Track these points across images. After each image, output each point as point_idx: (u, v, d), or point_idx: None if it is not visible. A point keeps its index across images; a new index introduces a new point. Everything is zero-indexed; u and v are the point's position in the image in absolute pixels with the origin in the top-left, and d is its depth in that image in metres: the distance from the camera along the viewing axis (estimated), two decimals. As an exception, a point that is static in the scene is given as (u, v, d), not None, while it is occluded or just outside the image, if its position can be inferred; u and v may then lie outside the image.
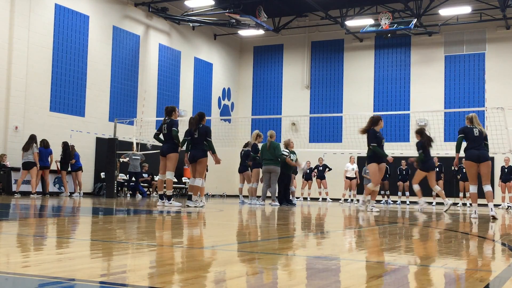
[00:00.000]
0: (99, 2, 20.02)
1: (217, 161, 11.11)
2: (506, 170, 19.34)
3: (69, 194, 17.01)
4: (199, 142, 10.77)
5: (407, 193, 20.50)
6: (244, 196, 16.44)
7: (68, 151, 16.95)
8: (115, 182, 16.89)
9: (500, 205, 19.62)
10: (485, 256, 3.88)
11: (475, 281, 2.79)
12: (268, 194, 14.25)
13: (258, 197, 14.82)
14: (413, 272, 3.09)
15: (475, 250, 4.39)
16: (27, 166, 15.11)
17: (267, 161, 13.87)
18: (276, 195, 14.33)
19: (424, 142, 12.51)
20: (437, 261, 3.61)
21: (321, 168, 21.63)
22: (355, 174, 20.68)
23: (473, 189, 9.61)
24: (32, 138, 15.29)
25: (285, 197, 14.42)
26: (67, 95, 18.64)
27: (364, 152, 20.88)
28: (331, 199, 21.70)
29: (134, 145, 17.40)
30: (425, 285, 2.61)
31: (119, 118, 18.98)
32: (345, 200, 20.76)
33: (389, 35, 22.73)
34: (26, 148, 15.14)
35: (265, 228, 6.52)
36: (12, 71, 16.71)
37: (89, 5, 19.65)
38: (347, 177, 20.75)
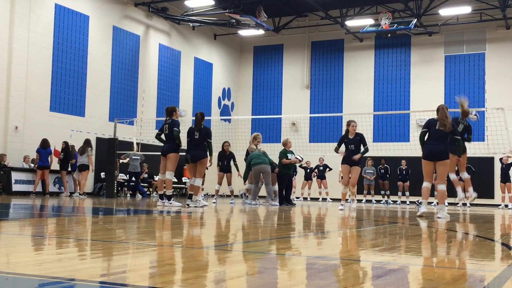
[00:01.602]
0: (99, 2, 20.02)
1: (210, 164, 11.32)
2: (504, 166, 19.17)
3: (69, 194, 17.02)
4: (200, 142, 10.78)
5: (407, 193, 20.49)
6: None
7: (69, 151, 16.94)
8: (115, 182, 16.89)
9: (500, 205, 19.62)
10: (485, 256, 3.88)
11: (475, 281, 2.79)
12: (262, 194, 14.26)
13: (247, 197, 14.90)
14: (413, 272, 3.09)
15: (475, 250, 4.39)
16: (82, 168, 16.35)
17: (257, 162, 13.92)
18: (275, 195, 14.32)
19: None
20: (437, 261, 3.61)
21: (321, 168, 21.64)
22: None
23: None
24: (87, 142, 16.45)
25: (285, 197, 14.42)
26: (67, 95, 18.64)
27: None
28: (331, 199, 21.71)
29: (135, 145, 17.40)
30: (425, 285, 2.61)
31: (119, 118, 18.98)
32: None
33: (389, 35, 22.73)
34: (82, 151, 16.36)
35: (265, 228, 6.52)
36: (12, 71, 16.72)
37: (89, 5, 19.65)
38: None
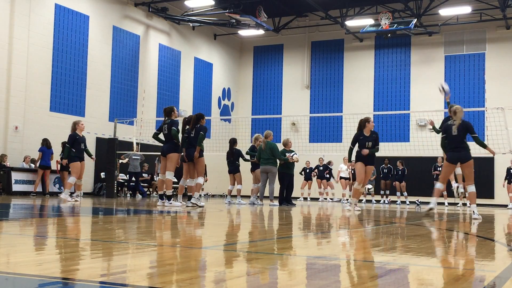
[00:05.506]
0: (99, 2, 20.02)
1: (196, 156, 10.74)
2: (511, 170, 19.12)
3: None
4: (196, 141, 10.77)
5: (405, 193, 20.40)
6: (232, 196, 15.45)
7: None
8: (115, 182, 16.87)
9: (507, 205, 19.56)
10: (485, 256, 3.88)
11: (475, 281, 2.79)
12: (266, 194, 14.23)
13: (257, 197, 14.79)
14: (413, 272, 3.09)
15: (475, 250, 4.39)
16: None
17: (264, 161, 13.86)
18: (275, 195, 14.31)
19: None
20: (437, 261, 3.61)
21: (321, 168, 21.62)
22: (349, 175, 20.61)
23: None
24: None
25: (285, 197, 14.42)
26: (67, 95, 18.64)
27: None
28: (331, 199, 21.69)
29: (134, 145, 17.38)
30: (425, 285, 2.61)
31: (119, 118, 18.98)
32: (347, 200, 20.61)
33: (389, 35, 22.72)
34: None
35: (265, 228, 6.52)
36: (12, 71, 16.71)
37: (89, 5, 19.65)
38: (341, 177, 20.73)
